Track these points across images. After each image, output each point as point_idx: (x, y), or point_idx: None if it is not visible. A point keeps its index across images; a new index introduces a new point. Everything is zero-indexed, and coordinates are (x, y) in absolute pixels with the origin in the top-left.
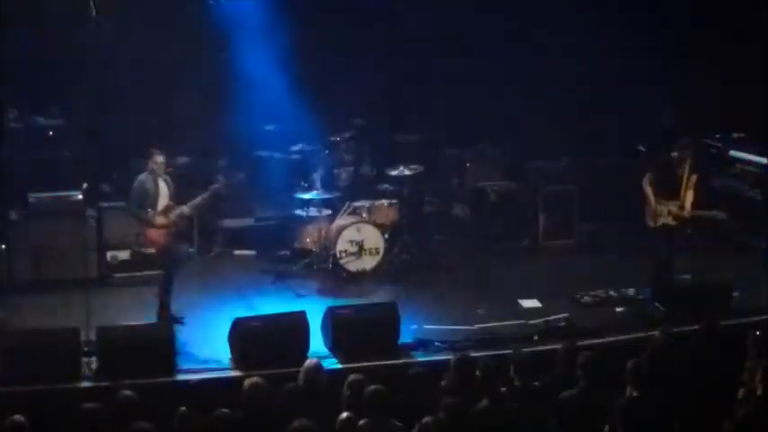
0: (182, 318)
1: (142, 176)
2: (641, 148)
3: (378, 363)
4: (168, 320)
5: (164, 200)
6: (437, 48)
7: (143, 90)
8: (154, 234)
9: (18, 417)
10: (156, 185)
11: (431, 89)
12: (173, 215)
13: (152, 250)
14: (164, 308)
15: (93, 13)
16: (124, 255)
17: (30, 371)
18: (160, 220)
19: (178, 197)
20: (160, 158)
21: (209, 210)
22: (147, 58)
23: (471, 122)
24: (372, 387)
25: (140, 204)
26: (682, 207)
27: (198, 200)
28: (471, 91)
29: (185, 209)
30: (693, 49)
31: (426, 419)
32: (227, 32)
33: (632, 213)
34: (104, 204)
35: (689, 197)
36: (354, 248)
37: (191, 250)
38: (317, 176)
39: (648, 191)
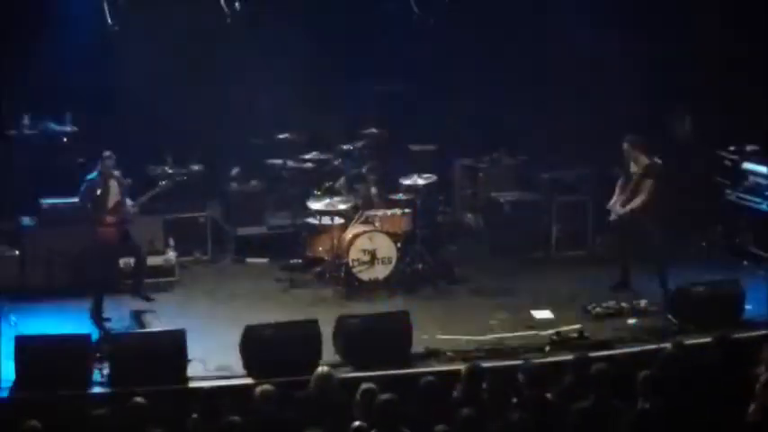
0: (108, 318)
1: (91, 176)
2: (656, 159)
3: (389, 372)
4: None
5: (114, 198)
6: (451, 57)
7: (157, 97)
8: (105, 232)
9: (33, 422)
10: (107, 185)
11: (445, 99)
12: (121, 213)
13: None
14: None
15: (109, 20)
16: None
17: (42, 377)
18: (109, 218)
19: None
20: (109, 162)
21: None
22: (162, 64)
23: (485, 132)
24: (384, 396)
25: (91, 203)
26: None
27: (144, 197)
28: (485, 101)
29: (132, 206)
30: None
31: (439, 428)
32: (242, 39)
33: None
34: None
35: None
36: (367, 257)
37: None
38: (329, 185)
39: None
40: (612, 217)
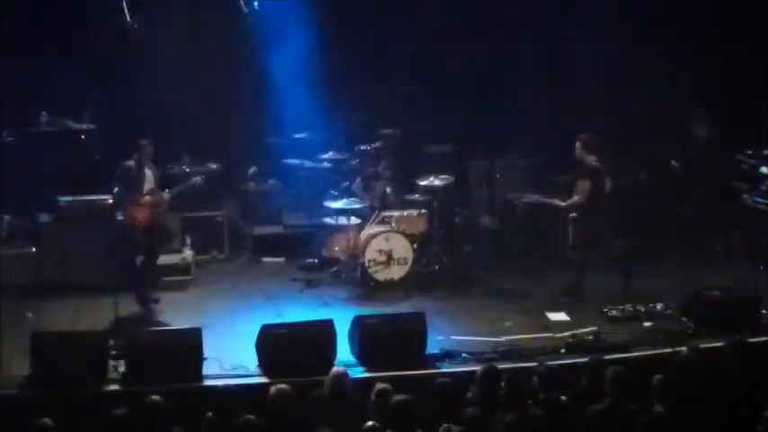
0: (157, 298)
1: (129, 162)
2: (674, 162)
3: (404, 373)
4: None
5: (148, 185)
6: (467, 59)
7: (175, 96)
8: (138, 213)
9: (45, 420)
10: (141, 170)
11: (461, 100)
12: (155, 197)
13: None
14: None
15: (127, 18)
16: None
17: (58, 374)
18: (143, 199)
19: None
20: (149, 149)
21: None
22: (179, 64)
23: (501, 134)
24: (398, 397)
25: (126, 188)
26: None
27: (176, 189)
28: (502, 102)
29: (166, 194)
30: (728, 65)
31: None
32: (260, 40)
33: (662, 227)
34: None
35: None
36: (383, 258)
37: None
38: (346, 185)
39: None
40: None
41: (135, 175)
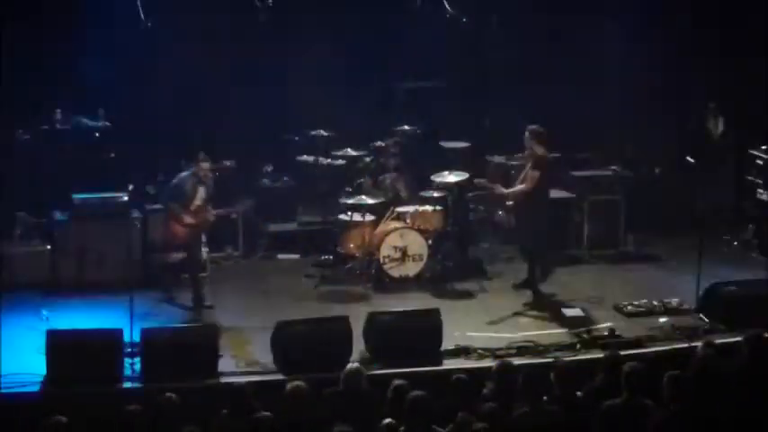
0: (211, 305)
1: (184, 175)
2: (690, 159)
3: (420, 369)
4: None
5: (198, 202)
6: (484, 55)
7: (190, 94)
8: (178, 229)
9: (60, 417)
10: (195, 188)
11: (478, 96)
12: (200, 217)
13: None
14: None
15: (142, 16)
16: (168, 257)
17: (74, 371)
18: (188, 218)
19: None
20: (205, 165)
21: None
22: (195, 61)
23: (517, 130)
24: (414, 393)
25: (174, 199)
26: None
27: (223, 211)
28: (517, 98)
29: (212, 214)
30: (744, 58)
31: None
32: (276, 36)
33: (678, 224)
34: (149, 206)
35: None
36: (398, 254)
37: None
38: (364, 182)
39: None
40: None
41: (187, 190)
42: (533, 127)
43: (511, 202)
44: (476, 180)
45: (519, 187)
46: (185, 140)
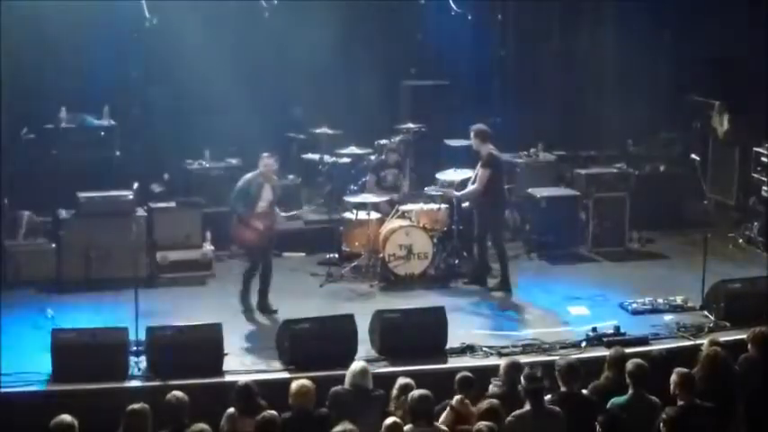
0: (276, 309)
1: (249, 176)
2: (694, 156)
3: (425, 367)
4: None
5: (264, 204)
6: (488, 53)
7: (195, 92)
8: (248, 235)
9: (66, 416)
10: (260, 188)
11: (482, 94)
12: (269, 220)
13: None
14: (263, 296)
15: (146, 15)
16: (173, 255)
17: (79, 370)
18: (257, 223)
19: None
20: (269, 161)
21: None
22: (199, 59)
23: (523, 128)
24: (417, 392)
25: (241, 203)
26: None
27: (287, 214)
28: (523, 96)
29: (281, 214)
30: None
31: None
32: (280, 34)
33: (683, 222)
34: (154, 205)
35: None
36: (403, 252)
37: (211, 252)
38: (368, 180)
39: None
40: (465, 204)
41: (252, 191)
42: (476, 126)
43: (466, 204)
44: (426, 188)
45: (470, 188)
46: (189, 139)
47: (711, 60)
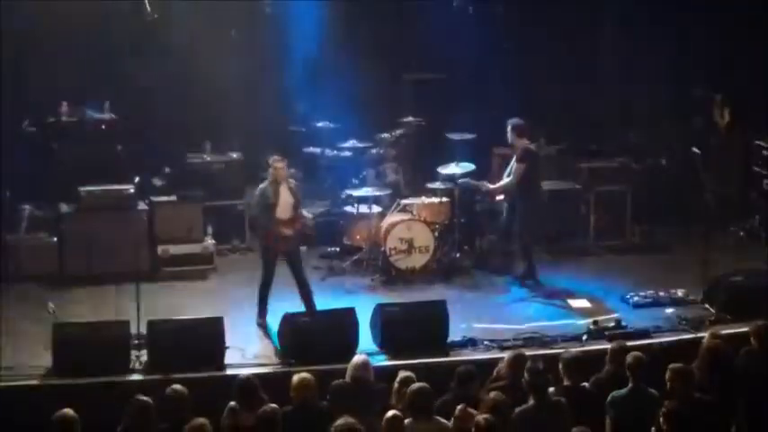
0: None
1: (262, 186)
2: (695, 149)
3: (426, 360)
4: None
5: (285, 207)
6: (490, 46)
7: (196, 85)
8: (270, 238)
9: (67, 410)
10: (277, 191)
11: (484, 88)
12: (296, 225)
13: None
14: (262, 302)
15: (148, 9)
16: (175, 249)
17: (80, 363)
18: (285, 231)
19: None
20: (279, 164)
21: None
22: (200, 52)
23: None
24: (417, 385)
25: (264, 215)
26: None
27: (312, 224)
28: (525, 89)
29: (308, 216)
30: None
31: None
32: (281, 28)
33: (684, 215)
34: (156, 198)
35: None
36: (404, 246)
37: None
38: (367, 174)
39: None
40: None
41: (269, 196)
42: (513, 121)
43: (500, 197)
44: (460, 180)
45: (506, 181)
46: (190, 132)
47: (713, 53)
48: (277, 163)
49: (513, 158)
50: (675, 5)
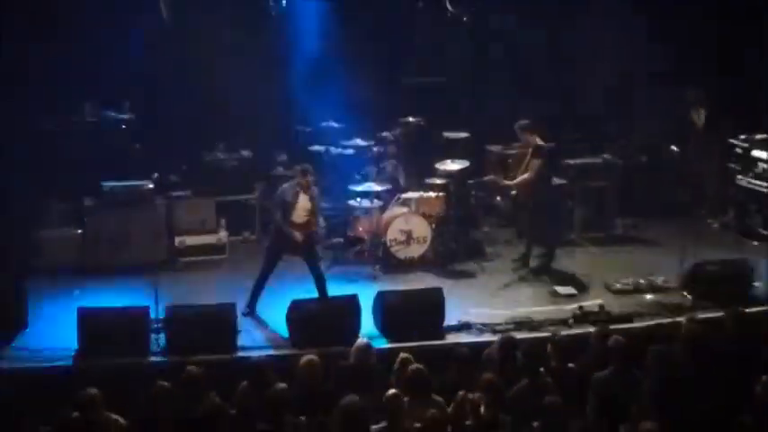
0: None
1: (286, 185)
2: (673, 147)
3: (424, 343)
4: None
5: (301, 210)
6: (482, 47)
7: (211, 87)
8: (282, 240)
9: (92, 389)
10: (296, 196)
11: (478, 90)
12: (308, 228)
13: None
14: (254, 294)
15: (163, 14)
16: (191, 240)
17: (104, 346)
18: (295, 233)
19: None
20: (308, 178)
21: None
22: (214, 59)
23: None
24: (413, 366)
25: (279, 211)
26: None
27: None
28: (516, 89)
29: (321, 228)
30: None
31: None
32: (289, 30)
33: (664, 209)
34: (173, 193)
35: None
36: (403, 237)
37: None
38: (369, 170)
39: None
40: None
41: (288, 198)
42: (522, 122)
43: (515, 192)
44: (486, 178)
45: (523, 177)
46: (205, 132)
47: (691, 51)
48: (307, 176)
49: (528, 155)
50: (658, 3)
